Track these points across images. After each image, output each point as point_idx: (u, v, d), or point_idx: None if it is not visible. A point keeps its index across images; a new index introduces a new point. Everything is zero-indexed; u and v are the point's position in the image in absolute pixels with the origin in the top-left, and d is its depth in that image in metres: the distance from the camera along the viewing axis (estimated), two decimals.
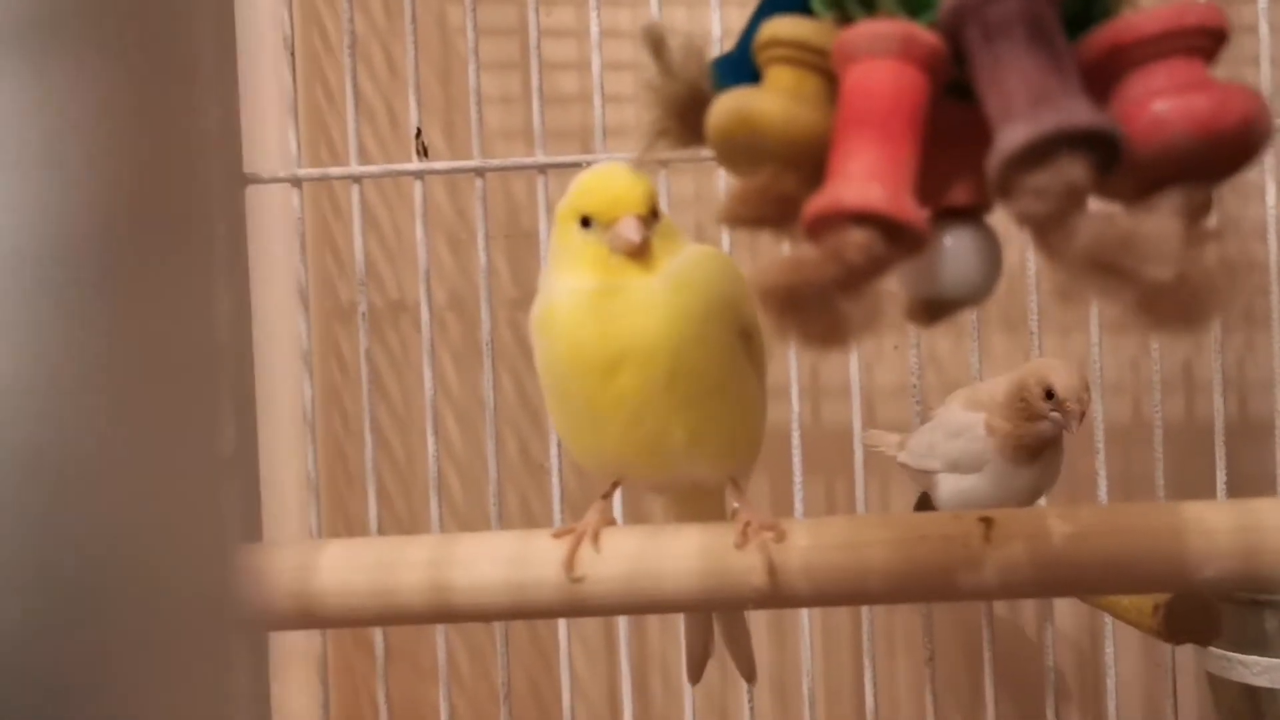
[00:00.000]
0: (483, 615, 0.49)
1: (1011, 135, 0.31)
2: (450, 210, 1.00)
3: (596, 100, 0.87)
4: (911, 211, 0.33)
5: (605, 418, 0.50)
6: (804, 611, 0.86)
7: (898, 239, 0.33)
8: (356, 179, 0.87)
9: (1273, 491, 0.84)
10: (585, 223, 0.51)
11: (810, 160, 0.35)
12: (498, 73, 1.00)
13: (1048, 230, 0.31)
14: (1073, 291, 0.31)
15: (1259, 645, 0.72)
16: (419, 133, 0.89)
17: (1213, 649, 0.75)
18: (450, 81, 1.00)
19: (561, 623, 0.86)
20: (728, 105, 0.36)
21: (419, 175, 0.87)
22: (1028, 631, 1.00)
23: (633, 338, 0.49)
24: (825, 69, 0.37)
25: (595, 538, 0.50)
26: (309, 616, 0.48)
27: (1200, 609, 0.61)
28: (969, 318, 0.88)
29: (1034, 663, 0.93)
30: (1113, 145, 0.31)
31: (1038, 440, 0.72)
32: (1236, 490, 0.85)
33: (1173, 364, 0.99)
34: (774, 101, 0.36)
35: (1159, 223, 0.31)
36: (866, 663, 0.87)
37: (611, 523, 0.52)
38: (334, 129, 0.99)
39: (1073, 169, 0.30)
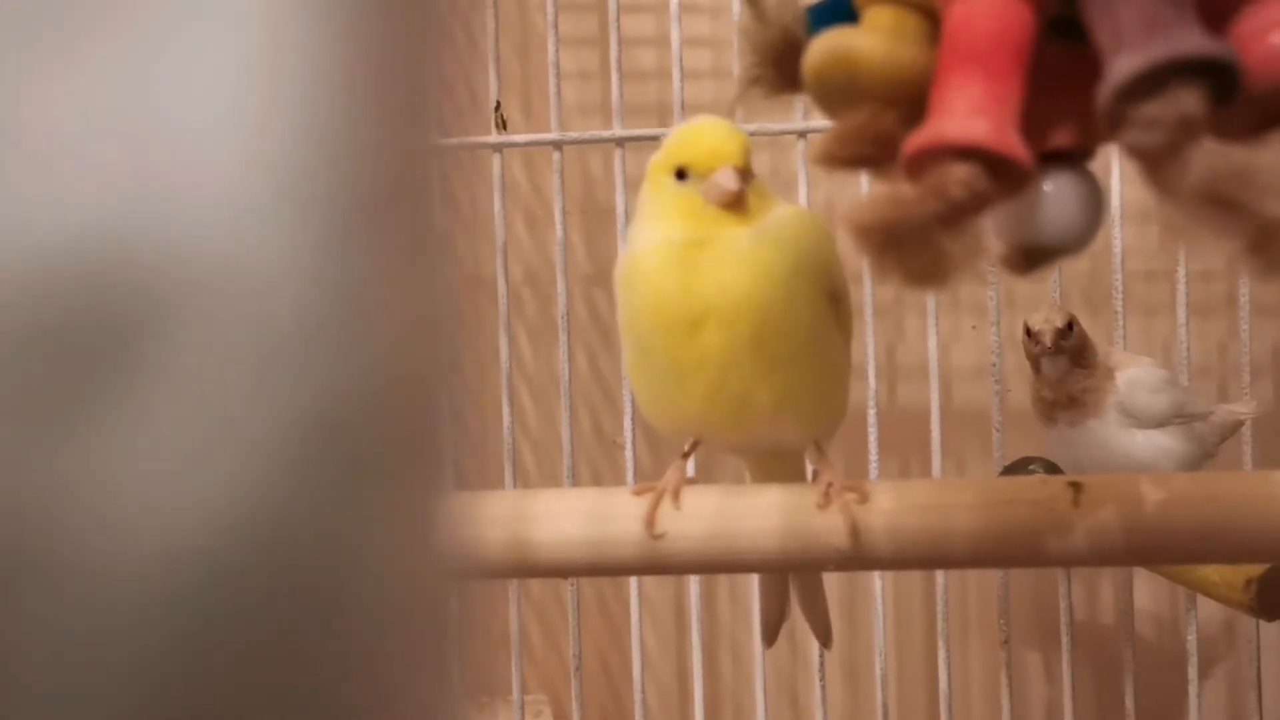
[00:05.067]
0: (562, 571, 0.50)
1: (1123, 64, 0.30)
2: (527, 185, 1.00)
3: (675, 75, 0.86)
4: (1016, 147, 0.32)
5: (688, 377, 0.50)
6: (877, 591, 0.86)
7: (1001, 176, 0.32)
8: None
9: None
10: (680, 175, 0.51)
11: (910, 99, 0.35)
12: (576, 48, 1.00)
13: (1160, 163, 0.30)
14: (1184, 228, 0.30)
15: None
16: (498, 105, 0.89)
17: None
18: (529, 57, 1.00)
19: (633, 595, 0.86)
20: (825, 44, 0.36)
21: (497, 148, 0.88)
22: (1105, 614, 0.98)
23: (720, 294, 0.49)
24: (927, 8, 0.36)
25: (676, 495, 0.50)
26: None
27: None
28: (1051, 298, 0.86)
29: (1112, 646, 0.91)
30: (1229, 76, 0.30)
31: (1054, 394, 0.73)
32: None
33: (1262, 348, 0.96)
34: (873, 39, 0.35)
35: (1278, 156, 0.30)
36: (940, 644, 0.86)
37: (691, 481, 0.52)
38: None
39: (1187, 99, 0.30)
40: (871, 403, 0.86)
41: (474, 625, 0.17)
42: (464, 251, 0.18)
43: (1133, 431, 0.71)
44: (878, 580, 0.86)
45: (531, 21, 1.00)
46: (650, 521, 0.49)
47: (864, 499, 0.50)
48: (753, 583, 0.79)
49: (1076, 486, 0.49)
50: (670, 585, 0.97)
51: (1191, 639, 0.83)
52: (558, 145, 0.87)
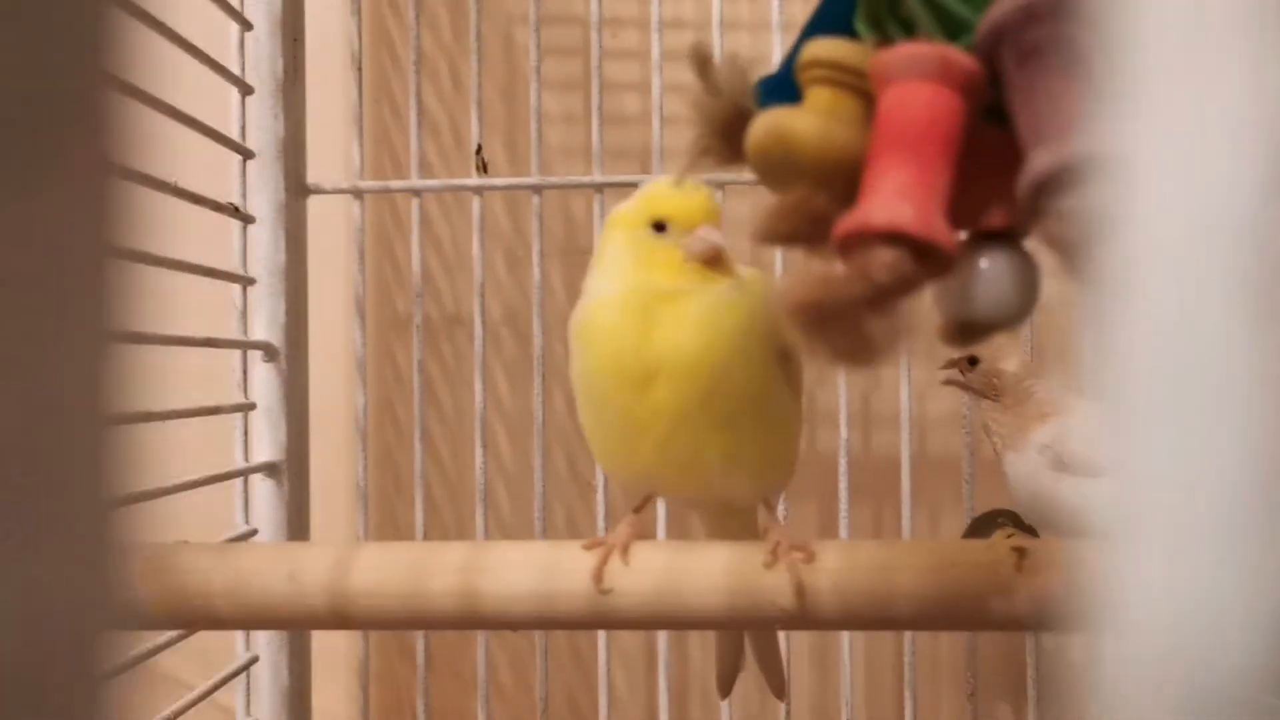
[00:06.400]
0: (511, 624, 0.50)
1: (1039, 160, 0.31)
2: (509, 226, 1.01)
3: (655, 121, 0.87)
4: (940, 232, 0.33)
5: (639, 431, 0.50)
6: (845, 640, 0.86)
7: (927, 259, 0.33)
8: (417, 192, 0.89)
9: None
10: (659, 228, 0.52)
11: (844, 179, 0.36)
12: (561, 92, 1.01)
13: (1076, 254, 0.31)
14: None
15: None
16: (479, 149, 0.90)
17: None
18: (514, 99, 1.01)
19: (600, 637, 0.86)
20: (765, 123, 0.37)
21: (478, 191, 0.89)
22: (1075, 667, 0.98)
23: (673, 351, 0.49)
24: (865, 90, 0.37)
25: (625, 551, 0.51)
26: (341, 617, 0.49)
27: None
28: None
29: (1080, 700, 0.91)
30: None
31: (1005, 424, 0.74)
32: None
33: None
34: (809, 120, 0.36)
35: None
36: (907, 694, 0.86)
37: (643, 536, 0.52)
38: (398, 144, 1.01)
39: (1102, 194, 0.30)
40: (843, 451, 0.87)
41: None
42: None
43: (1059, 476, 0.70)
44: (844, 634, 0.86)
45: (517, 65, 1.01)
46: (598, 576, 0.50)
47: (810, 558, 0.50)
48: None
49: (1021, 551, 0.50)
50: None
51: None
52: (537, 189, 0.88)
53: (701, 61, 0.41)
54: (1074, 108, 0.32)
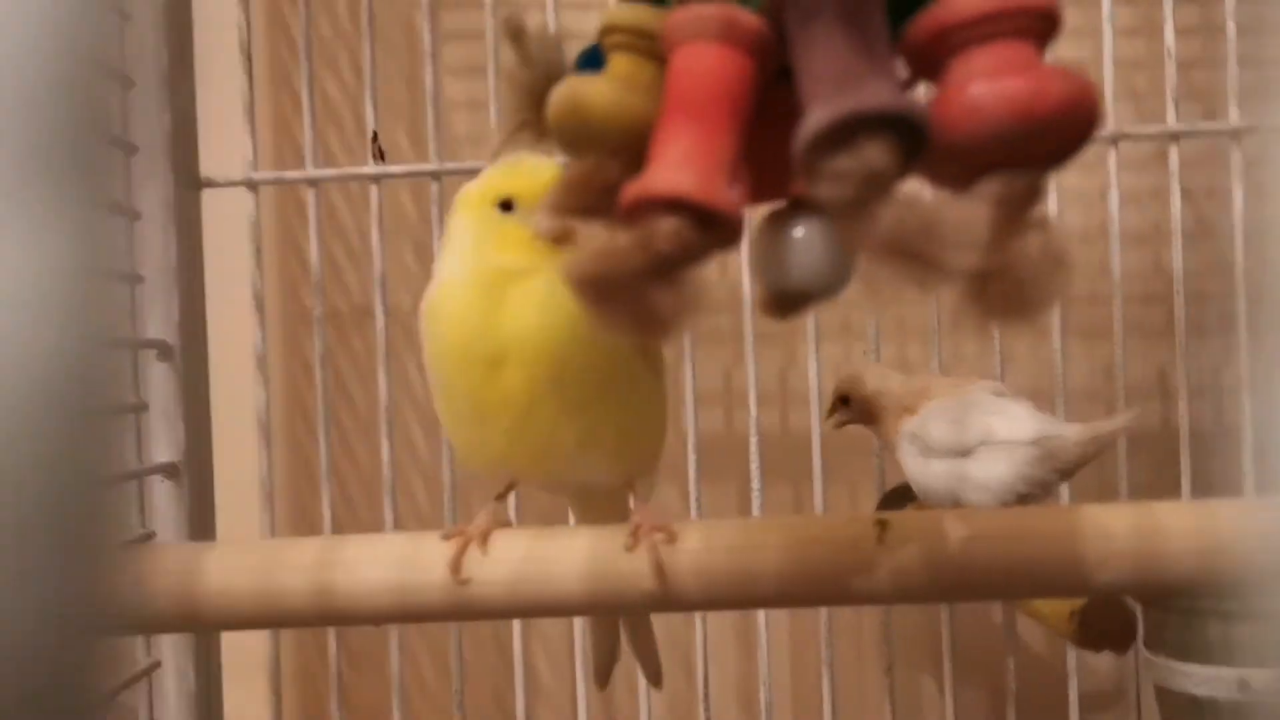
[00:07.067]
0: (367, 618, 0.49)
1: (812, 118, 0.30)
2: (415, 216, 1.00)
3: None
4: (724, 199, 0.32)
5: (490, 416, 0.49)
6: (761, 617, 0.85)
7: (712, 228, 0.32)
8: (313, 182, 0.87)
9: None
10: (506, 206, 0.51)
11: (639, 149, 0.34)
12: (465, 78, 0.99)
13: (850, 216, 0.30)
14: (878, 279, 0.30)
15: (1201, 654, 0.70)
16: (375, 136, 0.89)
17: (1157, 658, 0.73)
18: (418, 87, 0.99)
19: (516, 627, 0.85)
20: (560, 92, 0.36)
21: (375, 179, 0.87)
22: (992, 639, 0.97)
23: (520, 332, 0.48)
24: (665, 58, 0.36)
25: (484, 540, 0.49)
26: (190, 619, 0.48)
27: (1115, 615, 0.59)
28: (932, 322, 0.86)
29: (997, 671, 0.91)
30: (920, 129, 0.30)
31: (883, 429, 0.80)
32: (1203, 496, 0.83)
33: (1147, 371, 0.97)
34: (602, 88, 0.35)
35: (965, 209, 0.30)
36: (825, 672, 0.85)
37: (505, 524, 0.51)
38: (299, 134, 0.99)
39: (873, 153, 0.29)
40: (753, 430, 0.86)
41: None
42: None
43: (927, 460, 0.72)
44: (760, 611, 0.86)
45: (420, 51, 1.00)
46: (455, 567, 0.49)
47: (671, 539, 0.49)
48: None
49: (883, 524, 0.49)
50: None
51: (1071, 662, 0.83)
52: (436, 176, 0.87)
53: (514, 32, 0.40)
54: (848, 66, 0.31)
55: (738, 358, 0.96)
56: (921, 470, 0.72)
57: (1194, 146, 0.88)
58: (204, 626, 0.49)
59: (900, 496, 0.85)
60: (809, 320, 0.87)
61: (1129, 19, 0.99)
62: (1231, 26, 0.85)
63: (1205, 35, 0.99)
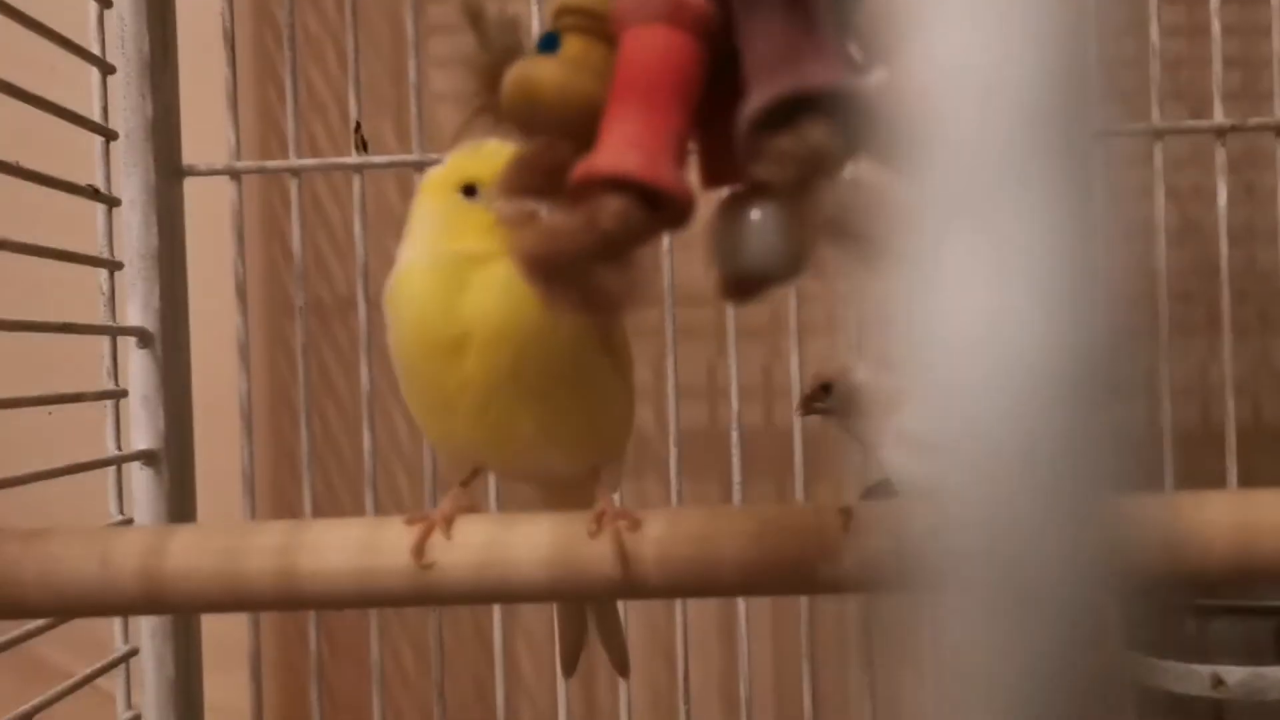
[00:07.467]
0: (330, 603, 0.49)
1: (751, 99, 0.30)
2: (399, 206, 0.99)
3: None
4: (670, 179, 0.32)
5: (452, 402, 0.49)
6: (741, 606, 0.85)
7: (660, 209, 0.32)
8: (296, 172, 0.87)
9: None
10: (469, 191, 0.50)
11: (590, 130, 0.34)
12: (450, 69, 0.99)
13: (794, 196, 0.30)
14: (825, 261, 0.30)
15: (1176, 651, 0.70)
16: (358, 126, 0.89)
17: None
18: (403, 78, 0.99)
19: (496, 615, 0.85)
20: (511, 74, 0.36)
21: (358, 169, 0.87)
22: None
23: (480, 318, 0.48)
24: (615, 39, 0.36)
25: (447, 525, 0.49)
26: (155, 602, 0.48)
27: None
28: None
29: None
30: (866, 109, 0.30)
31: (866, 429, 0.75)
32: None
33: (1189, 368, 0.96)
34: (551, 69, 0.35)
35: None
36: (805, 664, 0.85)
37: (470, 510, 0.51)
38: (283, 123, 0.99)
39: (814, 134, 0.29)
40: (734, 425, 0.86)
41: None
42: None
43: (914, 456, 0.71)
44: (741, 603, 0.86)
45: (406, 43, 0.99)
46: (418, 552, 0.49)
47: (635, 527, 0.49)
48: (628, 603, 0.79)
49: (847, 513, 0.49)
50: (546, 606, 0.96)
51: None
52: (419, 166, 0.87)
53: (473, 15, 0.40)
54: (789, 47, 0.30)
55: (720, 352, 0.96)
56: (907, 466, 0.72)
57: (1179, 144, 0.88)
58: (168, 609, 0.49)
59: (883, 492, 0.85)
60: (792, 315, 0.87)
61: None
62: (1216, 26, 0.85)
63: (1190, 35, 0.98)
